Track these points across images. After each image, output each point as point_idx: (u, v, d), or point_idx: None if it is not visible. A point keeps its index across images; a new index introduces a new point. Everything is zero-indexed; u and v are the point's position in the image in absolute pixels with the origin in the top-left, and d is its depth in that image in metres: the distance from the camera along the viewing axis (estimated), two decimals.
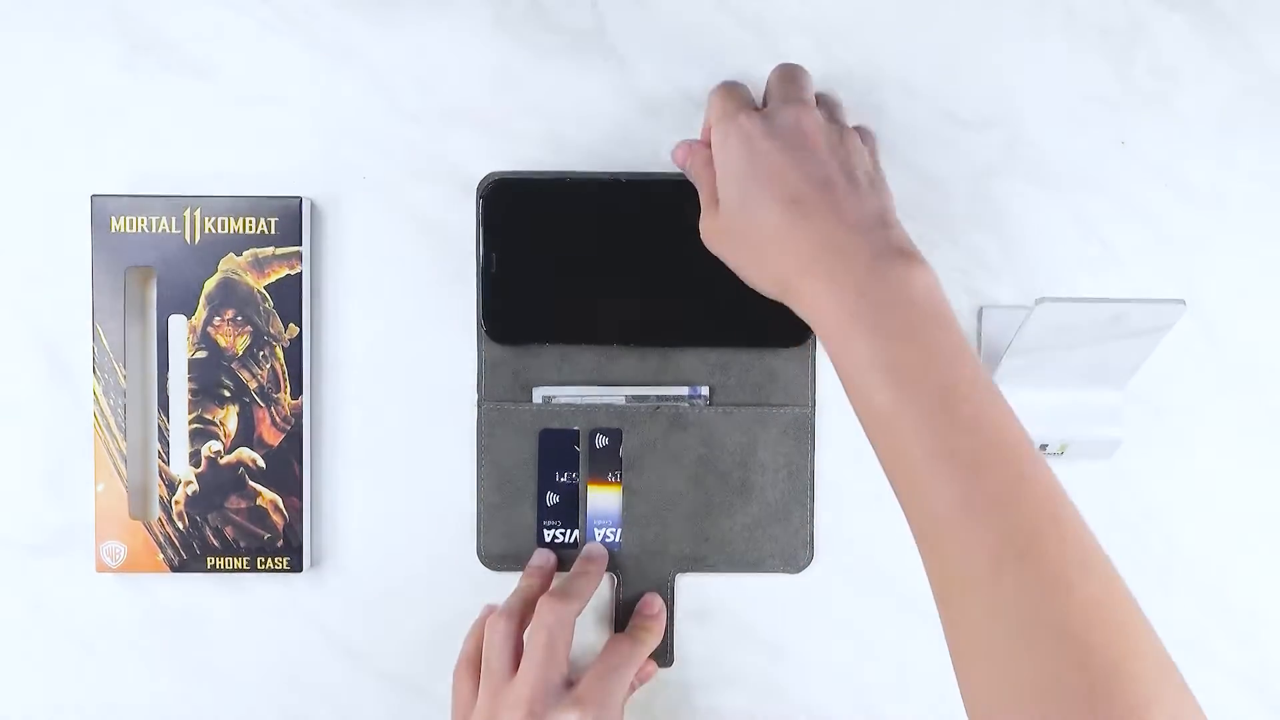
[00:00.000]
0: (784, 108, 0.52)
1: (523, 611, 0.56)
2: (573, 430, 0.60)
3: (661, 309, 0.59)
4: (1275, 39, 0.60)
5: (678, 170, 0.57)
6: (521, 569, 0.59)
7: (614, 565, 0.60)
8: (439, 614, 0.60)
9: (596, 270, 0.58)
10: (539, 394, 0.59)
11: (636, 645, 0.57)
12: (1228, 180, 0.60)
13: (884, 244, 0.47)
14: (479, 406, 0.59)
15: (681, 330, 0.59)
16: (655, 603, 0.59)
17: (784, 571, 0.60)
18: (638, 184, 0.58)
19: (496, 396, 0.59)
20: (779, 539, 0.60)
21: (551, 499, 0.60)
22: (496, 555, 0.60)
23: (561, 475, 0.60)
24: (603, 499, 0.60)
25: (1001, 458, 0.43)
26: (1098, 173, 0.60)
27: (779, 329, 0.58)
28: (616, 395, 0.59)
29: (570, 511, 0.60)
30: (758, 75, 0.60)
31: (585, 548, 0.59)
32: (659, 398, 0.59)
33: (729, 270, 0.53)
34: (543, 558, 0.59)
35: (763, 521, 0.60)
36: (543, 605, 0.55)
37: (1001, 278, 0.60)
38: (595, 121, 0.60)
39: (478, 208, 0.58)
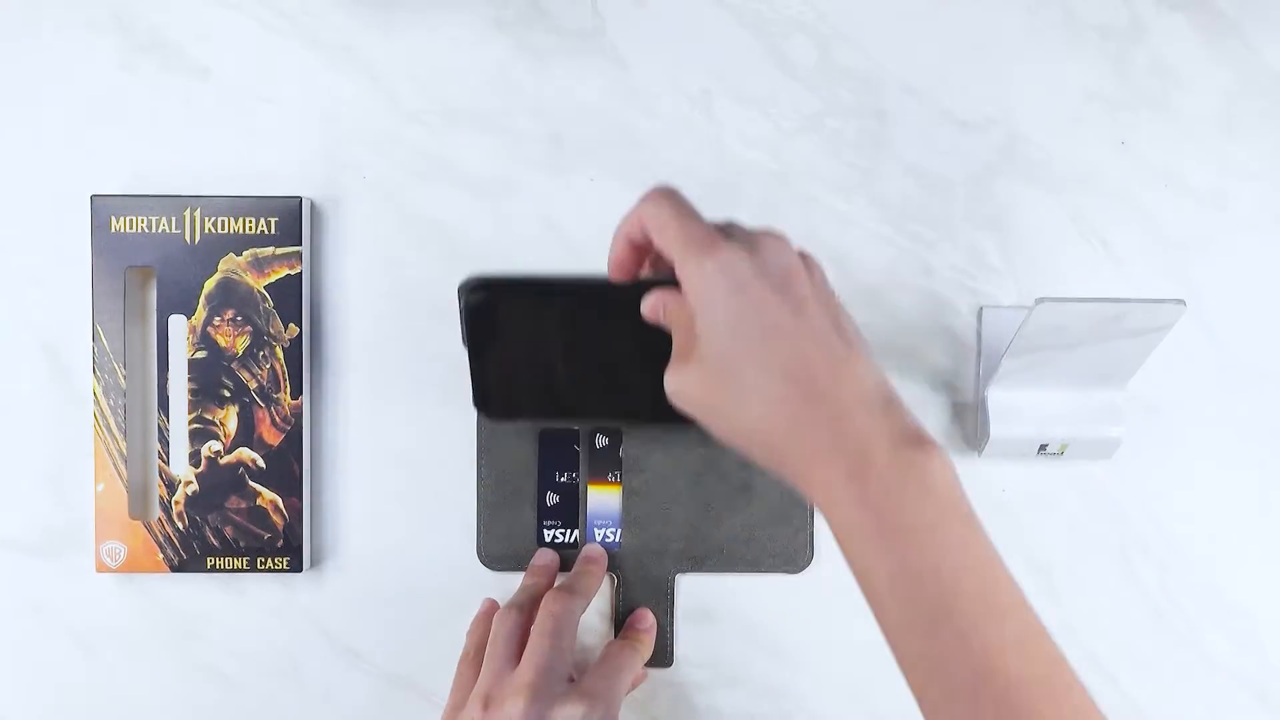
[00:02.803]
0: (763, 239, 0.45)
1: (530, 606, 0.56)
2: (573, 430, 0.60)
3: (653, 387, 0.51)
4: (1275, 39, 0.60)
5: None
6: (522, 569, 0.59)
7: (614, 565, 0.60)
8: (439, 614, 0.60)
9: (582, 360, 0.54)
10: None
11: (634, 652, 0.57)
12: (1228, 180, 0.60)
13: (900, 431, 0.42)
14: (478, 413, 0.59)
15: (650, 411, 0.52)
16: (646, 617, 0.59)
17: (784, 572, 0.60)
18: (625, 289, 0.51)
19: None
20: (779, 539, 0.60)
21: (551, 499, 0.60)
22: (497, 555, 0.60)
23: (561, 475, 0.60)
24: (603, 499, 0.60)
25: (994, 695, 0.40)
26: (1098, 173, 0.60)
27: None
28: None
29: (570, 512, 0.60)
30: (758, 75, 0.60)
31: (585, 549, 0.59)
32: None
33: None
34: (546, 557, 0.59)
35: (763, 522, 0.60)
36: (549, 598, 0.55)
37: (1001, 278, 0.60)
38: (595, 121, 0.60)
39: (460, 305, 0.53)
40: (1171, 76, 0.60)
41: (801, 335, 0.43)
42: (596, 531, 0.60)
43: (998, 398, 0.58)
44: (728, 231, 0.45)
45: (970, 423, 0.60)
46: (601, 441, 0.60)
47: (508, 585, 0.59)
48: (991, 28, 0.60)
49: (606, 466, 0.60)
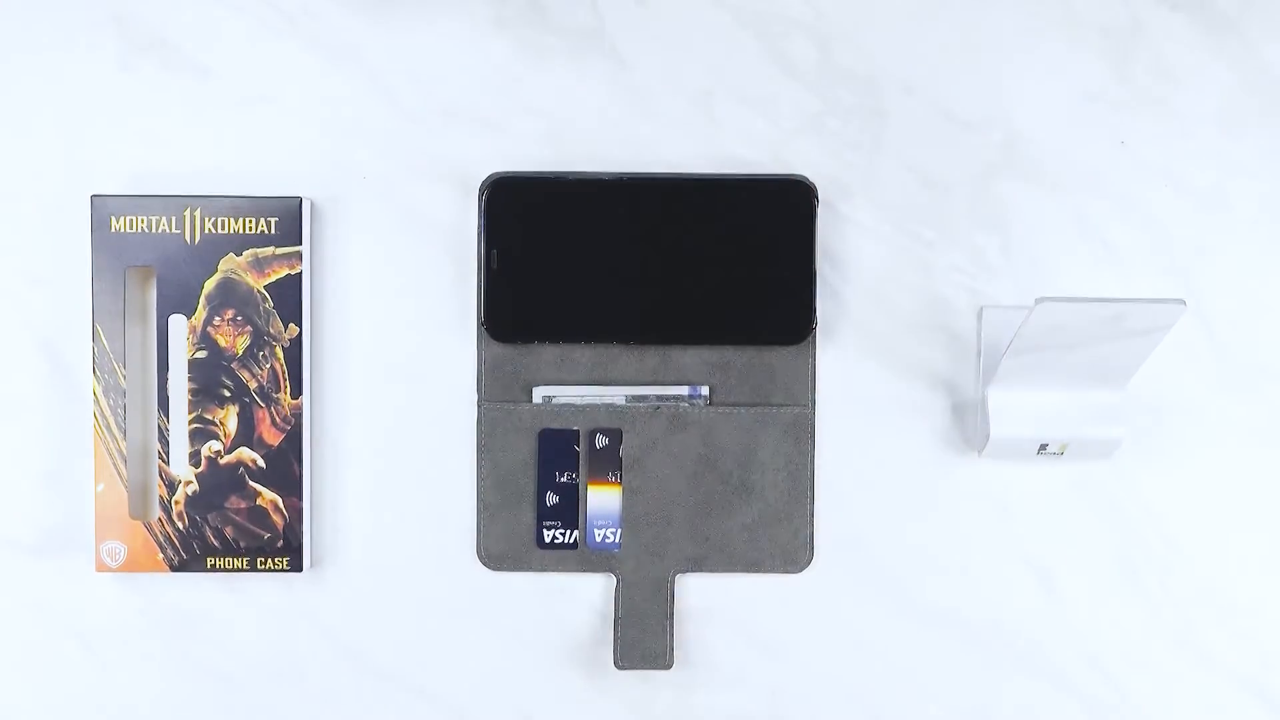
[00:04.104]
0: None
1: None
2: (573, 430, 0.60)
3: (660, 306, 0.59)
4: (1275, 39, 0.60)
5: (678, 170, 0.57)
6: (521, 569, 0.59)
7: (613, 565, 0.60)
8: (439, 614, 0.60)
9: (596, 268, 0.58)
10: (539, 394, 0.59)
11: None
12: (1228, 180, 0.60)
13: None
14: (479, 406, 0.59)
15: (681, 327, 0.59)
16: None
17: (784, 572, 0.60)
18: (638, 183, 0.58)
19: (496, 396, 0.59)
20: (779, 539, 0.60)
21: (551, 499, 0.60)
22: (496, 555, 0.60)
23: (561, 475, 0.60)
24: (603, 499, 0.60)
25: None
26: (1098, 173, 0.60)
27: (778, 326, 0.58)
28: (616, 395, 0.59)
29: (570, 511, 0.60)
30: (758, 75, 0.60)
31: None
32: (659, 398, 0.59)
33: (728, 268, 0.53)
34: None
35: (763, 522, 0.60)
36: None
37: (1001, 278, 0.60)
38: (595, 121, 0.60)
39: (479, 206, 0.58)
40: (1171, 76, 0.60)
41: None
42: (596, 532, 0.60)
43: (998, 398, 0.58)
44: None
45: (970, 423, 0.60)
46: (601, 441, 0.60)
47: (506, 585, 0.59)
48: (991, 27, 0.60)
49: (606, 466, 0.60)
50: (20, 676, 0.60)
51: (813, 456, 0.60)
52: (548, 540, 0.60)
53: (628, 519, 0.60)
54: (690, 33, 0.60)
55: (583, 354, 0.59)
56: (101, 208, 0.58)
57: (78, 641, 0.60)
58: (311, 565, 0.60)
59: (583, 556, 0.60)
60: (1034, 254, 0.60)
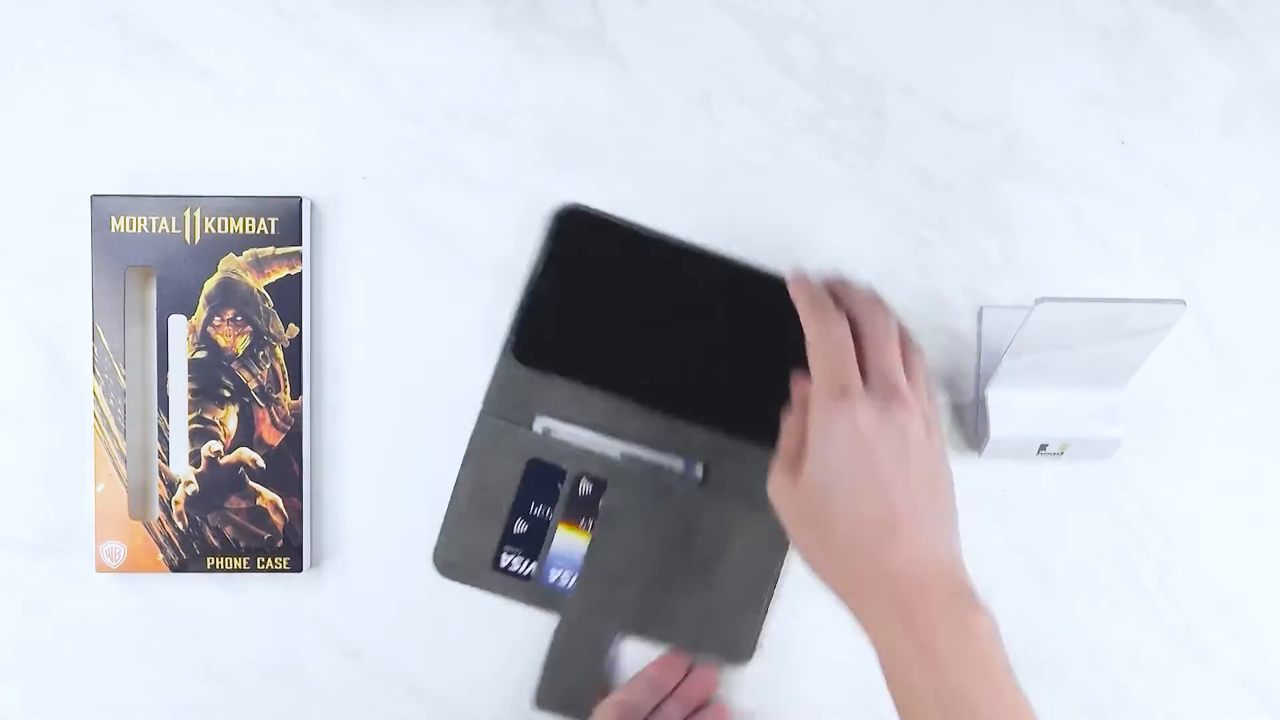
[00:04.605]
0: (896, 406, 0.50)
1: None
2: (561, 469, 0.59)
3: (684, 378, 0.58)
4: (1275, 39, 0.60)
5: (750, 261, 0.58)
6: (472, 584, 0.59)
7: (559, 607, 0.59)
8: (439, 614, 0.60)
9: (635, 323, 0.58)
10: (540, 424, 0.59)
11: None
12: (1228, 180, 0.60)
13: (958, 585, 0.49)
14: (480, 416, 0.59)
15: (696, 405, 0.58)
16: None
17: (724, 660, 0.59)
18: (708, 259, 0.58)
19: (498, 412, 0.59)
20: (725, 631, 0.59)
21: (520, 526, 0.59)
22: (450, 563, 0.59)
23: (536, 507, 0.59)
24: (569, 542, 0.59)
25: None
26: (1098, 173, 0.60)
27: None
28: (613, 448, 0.59)
29: (534, 544, 0.59)
30: (758, 75, 0.60)
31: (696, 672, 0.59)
32: (654, 465, 0.59)
33: (759, 366, 0.55)
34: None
35: (717, 610, 0.59)
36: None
37: (1001, 278, 0.60)
38: (595, 121, 0.60)
39: (548, 230, 0.58)
40: (1171, 76, 0.60)
41: (897, 491, 0.49)
42: (553, 572, 0.59)
43: (998, 398, 0.58)
44: (869, 361, 0.51)
45: (970, 423, 0.60)
46: (586, 488, 0.59)
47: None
48: (991, 28, 0.60)
49: (582, 512, 0.59)
50: (20, 676, 0.60)
51: (784, 562, 0.59)
52: (503, 565, 0.59)
53: (586, 570, 0.59)
54: (690, 33, 0.60)
55: (594, 399, 0.59)
56: (101, 208, 0.58)
57: (77, 641, 0.60)
58: (311, 565, 0.60)
59: (532, 590, 0.59)
60: (1034, 254, 0.60)
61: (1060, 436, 0.58)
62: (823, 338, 0.51)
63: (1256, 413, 0.60)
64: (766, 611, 0.59)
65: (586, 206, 0.58)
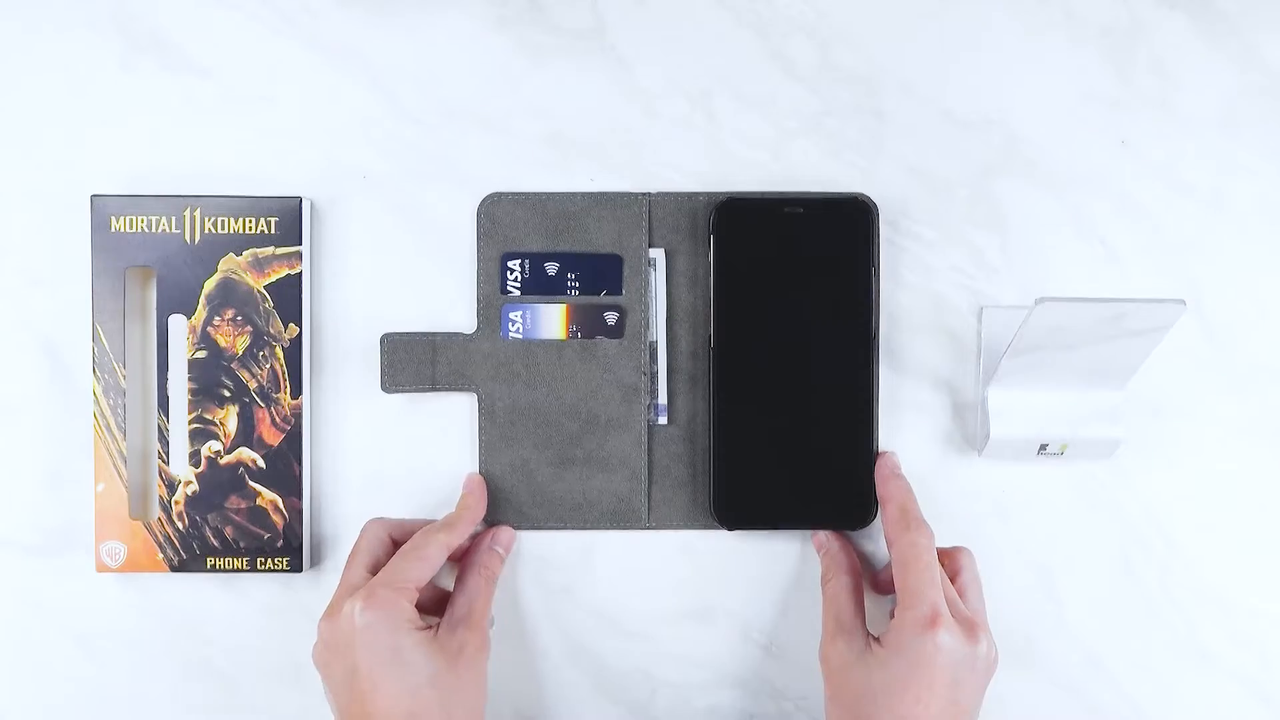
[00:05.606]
0: (980, 635, 0.53)
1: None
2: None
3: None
4: (1275, 39, 0.60)
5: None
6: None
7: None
8: None
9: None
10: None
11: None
12: (1228, 180, 0.60)
13: None
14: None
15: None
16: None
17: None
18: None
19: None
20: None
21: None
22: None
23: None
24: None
25: None
26: (1098, 173, 0.60)
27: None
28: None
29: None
30: (758, 75, 0.60)
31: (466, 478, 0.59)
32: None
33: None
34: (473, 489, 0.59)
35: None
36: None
37: (1001, 278, 0.60)
38: (595, 121, 0.60)
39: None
40: (1171, 76, 0.60)
41: (944, 710, 0.51)
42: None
43: (998, 398, 0.58)
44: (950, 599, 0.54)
45: (970, 423, 0.60)
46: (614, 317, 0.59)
47: (506, 586, 0.59)
48: (991, 28, 0.60)
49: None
50: (20, 676, 0.60)
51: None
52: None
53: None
54: (690, 33, 0.60)
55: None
56: (101, 208, 0.58)
57: (77, 641, 0.60)
58: (311, 565, 0.60)
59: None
60: (1034, 254, 0.60)
61: (1060, 436, 0.58)
62: (914, 555, 0.54)
63: (1256, 413, 0.60)
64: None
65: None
